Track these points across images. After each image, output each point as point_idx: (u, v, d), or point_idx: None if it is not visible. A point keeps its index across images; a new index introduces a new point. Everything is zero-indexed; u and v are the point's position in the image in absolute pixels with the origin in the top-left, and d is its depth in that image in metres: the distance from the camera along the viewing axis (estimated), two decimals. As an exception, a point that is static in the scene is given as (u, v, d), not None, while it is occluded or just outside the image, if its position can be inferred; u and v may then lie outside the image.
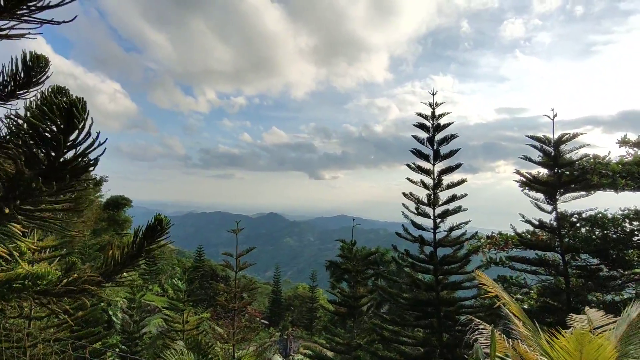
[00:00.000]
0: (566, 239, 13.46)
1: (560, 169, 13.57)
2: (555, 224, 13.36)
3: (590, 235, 13.73)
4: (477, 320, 5.20)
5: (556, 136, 13.56)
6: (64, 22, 1.27)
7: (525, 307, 13.41)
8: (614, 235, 13.29)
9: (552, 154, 13.49)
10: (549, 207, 13.56)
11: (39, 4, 1.16)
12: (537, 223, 13.57)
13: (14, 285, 1.23)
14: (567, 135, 13.47)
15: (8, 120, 1.76)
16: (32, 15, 1.21)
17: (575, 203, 13.45)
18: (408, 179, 15.38)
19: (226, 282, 36.02)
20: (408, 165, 15.39)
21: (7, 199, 0.97)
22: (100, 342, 12.70)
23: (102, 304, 20.79)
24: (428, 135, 15.16)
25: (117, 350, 14.81)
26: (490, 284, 5.41)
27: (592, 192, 13.51)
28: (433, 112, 15.19)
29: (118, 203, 34.98)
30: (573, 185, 13.25)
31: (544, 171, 14.09)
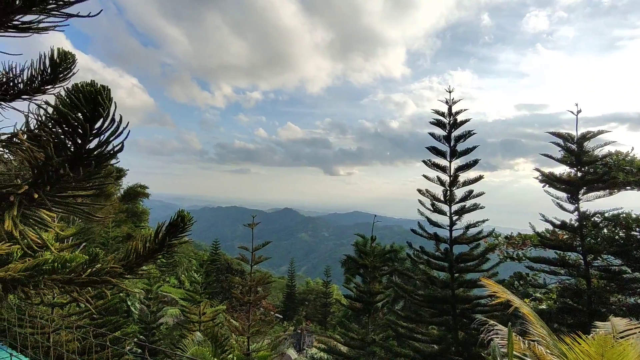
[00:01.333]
0: (588, 239, 13.09)
1: (583, 167, 13.18)
2: (577, 223, 13.00)
3: (613, 235, 13.33)
4: (492, 321, 5.14)
5: (579, 133, 13.17)
6: (89, 15, 1.30)
7: (544, 307, 13.14)
8: (639, 236, 12.86)
9: (575, 151, 13.10)
10: (571, 207, 13.19)
11: (67, -1, 1.19)
12: (558, 223, 13.23)
13: (44, 268, 1.28)
14: (591, 133, 13.05)
15: (38, 111, 1.82)
16: (61, 10, 1.24)
17: (598, 202, 13.06)
18: (424, 175, 15.25)
19: (242, 276, 36.50)
20: (424, 162, 15.25)
21: (37, 185, 1.02)
22: (119, 331, 13.08)
23: (121, 294, 21.37)
24: (445, 132, 14.98)
25: (135, 339, 15.23)
26: (499, 289, 5.34)
27: (616, 191, 13.08)
28: (450, 109, 14.99)
29: (136, 192, 35.57)
30: (597, 184, 12.84)
31: (565, 169, 13.72)
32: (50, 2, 1.15)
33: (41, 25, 1.30)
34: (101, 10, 1.30)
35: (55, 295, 10.12)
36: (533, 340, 4.50)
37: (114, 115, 1.08)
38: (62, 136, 1.06)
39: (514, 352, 3.51)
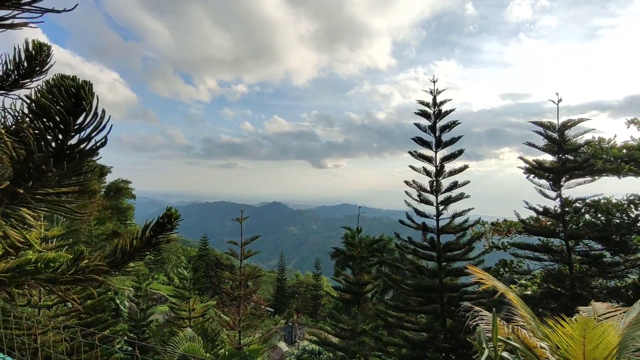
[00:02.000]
0: (570, 225, 13.45)
1: (564, 155, 13.50)
2: (559, 210, 13.33)
3: (594, 221, 13.73)
4: (478, 308, 5.27)
5: (560, 122, 13.45)
6: (65, 10, 1.28)
7: (529, 293, 13.49)
8: (618, 221, 13.27)
9: (557, 139, 13.39)
10: (553, 194, 13.51)
11: (40, -8, 1.17)
12: (541, 210, 13.54)
13: (27, 268, 1.27)
14: (572, 121, 13.34)
15: (15, 106, 1.79)
16: (34, 4, 1.22)
17: (579, 189, 13.42)
18: (411, 166, 15.38)
19: (231, 271, 36.43)
20: (410, 153, 15.37)
21: (19, 182, 1.00)
22: (108, 330, 12.95)
23: (110, 292, 21.12)
24: (430, 123, 15.10)
25: (125, 337, 15.12)
26: (485, 276, 5.46)
27: (596, 177, 13.45)
28: (434, 99, 15.10)
29: (119, 187, 34.98)
30: (577, 172, 13.18)
31: (548, 157, 14.03)
32: (24, -4, 1.12)
33: (15, 21, 1.26)
34: (76, 4, 1.27)
35: (42, 296, 9.95)
36: (517, 325, 4.63)
37: (96, 109, 1.07)
38: (44, 131, 1.05)
39: (499, 337, 3.61)
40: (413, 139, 15.37)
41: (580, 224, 13.72)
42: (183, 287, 20.46)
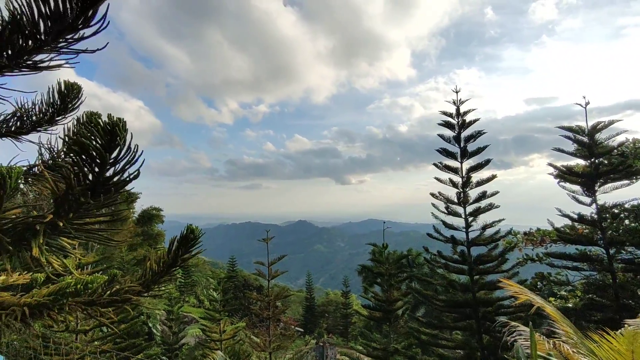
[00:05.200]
0: (609, 232, 12.77)
1: (596, 159, 12.95)
2: (595, 216, 12.71)
3: (635, 226, 12.98)
4: (514, 323, 5.04)
5: (590, 125, 12.97)
6: (97, 49, 1.38)
7: (570, 305, 12.80)
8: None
9: (587, 143, 12.89)
10: (587, 200, 12.93)
11: (76, 36, 1.27)
12: (575, 217, 12.96)
13: (67, 291, 1.34)
14: (602, 123, 12.84)
15: (49, 143, 1.92)
16: (70, 47, 1.32)
17: (616, 193, 12.78)
18: (436, 178, 15.16)
19: (259, 291, 36.46)
20: (435, 165, 15.17)
21: (60, 214, 1.08)
22: (142, 354, 13.16)
23: (142, 316, 21.52)
24: (454, 133, 14.92)
25: (158, 361, 15.30)
26: (519, 290, 5.25)
27: (634, 179, 12.79)
28: (458, 110, 14.95)
29: (150, 215, 36.14)
30: (613, 175, 12.58)
31: (580, 162, 13.49)
32: (61, 41, 1.22)
33: (52, 63, 1.38)
34: (107, 43, 1.36)
35: (79, 321, 10.28)
36: (559, 340, 4.39)
37: (129, 144, 1.15)
38: (82, 166, 1.13)
39: (539, 353, 3.44)
40: (437, 150, 15.20)
41: (620, 230, 13.00)
42: (213, 309, 20.60)
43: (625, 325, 5.44)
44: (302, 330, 40.92)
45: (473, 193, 14.54)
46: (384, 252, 18.36)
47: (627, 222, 13.27)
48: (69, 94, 1.87)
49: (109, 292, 1.73)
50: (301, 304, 51.63)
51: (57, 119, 1.95)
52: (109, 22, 1.18)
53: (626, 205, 12.80)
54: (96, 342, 10.95)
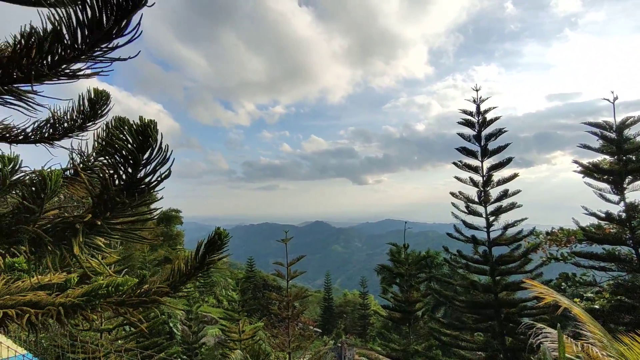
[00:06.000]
0: (638, 231, 12.30)
1: (625, 155, 12.48)
2: (624, 215, 12.26)
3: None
4: (540, 324, 4.92)
5: (619, 120, 12.52)
6: (129, 57, 1.42)
7: (597, 307, 12.38)
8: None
9: (615, 139, 12.44)
10: (615, 198, 12.48)
11: (110, 45, 1.32)
12: (603, 215, 12.52)
13: (100, 292, 1.39)
14: (632, 119, 12.37)
15: (80, 147, 2.00)
16: (105, 56, 1.37)
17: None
18: (456, 177, 14.95)
19: (278, 292, 36.68)
20: (455, 164, 14.96)
21: (97, 214, 1.12)
22: (164, 353, 13.43)
23: (164, 316, 21.97)
24: (474, 132, 14.69)
25: (179, 359, 15.57)
26: (544, 290, 5.12)
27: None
28: (478, 108, 14.71)
29: (170, 216, 36.97)
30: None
31: (606, 159, 13.04)
32: (97, 50, 1.27)
33: (89, 71, 1.44)
34: (139, 52, 1.41)
35: (103, 320, 10.58)
36: (587, 342, 4.26)
37: (160, 144, 1.19)
38: (117, 167, 1.18)
39: (567, 355, 3.35)
40: (457, 149, 14.99)
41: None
42: (232, 309, 20.84)
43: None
44: (320, 330, 40.94)
45: (494, 192, 14.28)
46: (404, 253, 18.21)
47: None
48: (99, 101, 1.95)
49: (138, 292, 1.79)
50: (319, 305, 51.67)
51: (87, 125, 2.03)
52: (142, 31, 1.22)
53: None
54: (120, 341, 11.24)
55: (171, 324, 24.53)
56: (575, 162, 13.48)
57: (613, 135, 12.50)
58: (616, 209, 12.51)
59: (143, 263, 25.76)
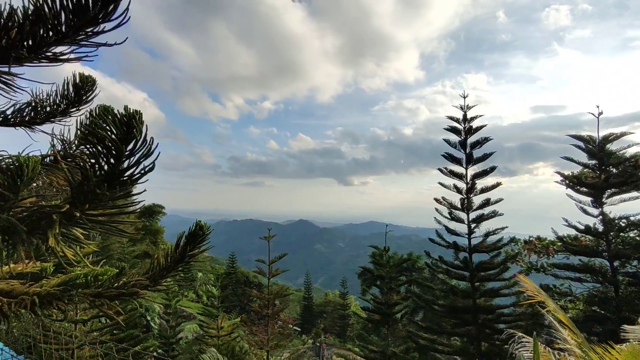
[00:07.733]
0: (614, 245, 12.67)
1: (607, 170, 12.84)
2: (601, 228, 12.61)
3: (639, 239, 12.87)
4: (517, 332, 4.99)
5: (602, 135, 12.86)
6: (115, 43, 1.38)
7: (570, 316, 12.71)
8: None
9: (598, 154, 12.79)
10: (595, 211, 12.82)
11: (96, 30, 1.27)
12: (582, 228, 12.85)
13: (77, 282, 1.34)
14: (614, 135, 12.73)
15: (62, 133, 1.93)
16: (90, 40, 1.32)
17: (623, 206, 12.68)
18: (440, 183, 15.11)
19: (259, 289, 36.53)
20: (440, 170, 15.12)
21: (76, 205, 1.08)
22: (139, 346, 13.19)
23: (140, 309, 21.60)
24: (460, 139, 14.85)
25: (155, 354, 15.31)
26: (534, 290, 5.19)
27: (642, 193, 12.67)
28: (465, 115, 14.89)
29: (152, 211, 36.39)
30: (622, 187, 12.47)
31: (588, 172, 13.39)
32: (81, 34, 1.22)
33: (72, 55, 1.38)
34: (126, 38, 1.36)
35: (78, 312, 10.33)
36: (562, 350, 4.35)
37: (145, 136, 1.15)
38: (98, 157, 1.13)
39: (542, 363, 3.41)
40: (443, 155, 15.15)
41: (627, 245, 12.89)
42: (211, 305, 20.64)
43: (625, 332, 5.40)
44: (299, 329, 40.92)
45: (477, 200, 14.48)
46: (385, 255, 18.32)
47: (631, 234, 13.15)
48: (84, 86, 1.88)
49: (116, 284, 1.74)
50: (299, 303, 51.65)
51: (70, 110, 1.95)
52: (129, 17, 1.18)
53: (632, 219, 12.70)
54: (94, 333, 10.98)
55: (149, 318, 24.14)
56: (558, 173, 13.82)
57: (596, 150, 12.85)
58: (593, 222, 12.88)
59: (122, 255, 25.29)
